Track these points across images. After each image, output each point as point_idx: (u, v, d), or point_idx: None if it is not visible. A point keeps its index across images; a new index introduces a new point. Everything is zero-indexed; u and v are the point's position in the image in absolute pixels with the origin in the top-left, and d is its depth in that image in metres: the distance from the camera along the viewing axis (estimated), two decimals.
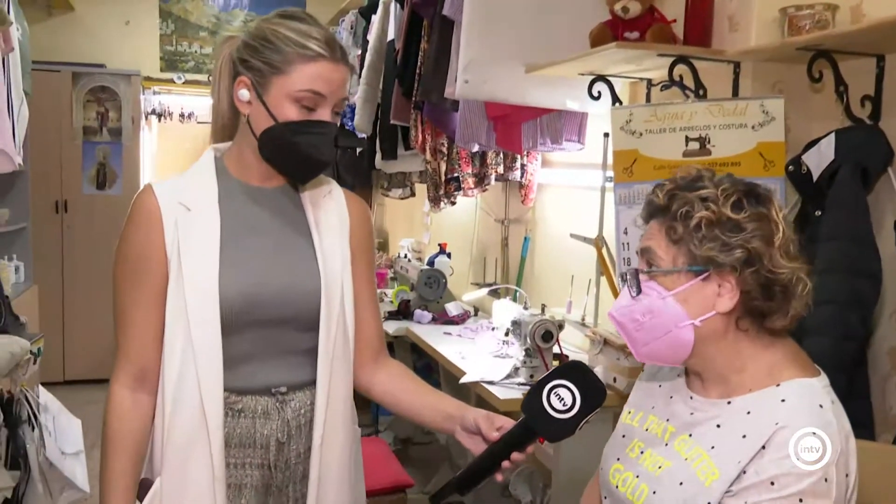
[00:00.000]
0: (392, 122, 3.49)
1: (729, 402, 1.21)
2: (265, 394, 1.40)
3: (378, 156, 3.83)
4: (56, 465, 2.29)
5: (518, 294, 3.34)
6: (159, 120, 5.89)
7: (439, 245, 4.07)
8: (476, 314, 3.74)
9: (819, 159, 1.81)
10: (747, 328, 1.21)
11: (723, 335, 1.21)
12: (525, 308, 2.90)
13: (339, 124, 1.42)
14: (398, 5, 3.56)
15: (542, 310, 2.83)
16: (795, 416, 1.13)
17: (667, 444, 1.26)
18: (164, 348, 1.36)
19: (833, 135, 1.79)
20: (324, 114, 1.37)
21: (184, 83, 5.91)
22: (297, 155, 1.38)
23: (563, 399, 1.23)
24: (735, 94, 2.05)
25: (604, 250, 2.57)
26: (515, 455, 1.26)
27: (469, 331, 3.39)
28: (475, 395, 2.68)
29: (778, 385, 1.18)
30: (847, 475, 1.14)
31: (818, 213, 1.80)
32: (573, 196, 3.14)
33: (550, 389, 1.24)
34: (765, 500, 1.11)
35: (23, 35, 3.29)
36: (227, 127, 1.46)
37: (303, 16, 1.39)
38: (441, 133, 3.24)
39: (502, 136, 2.89)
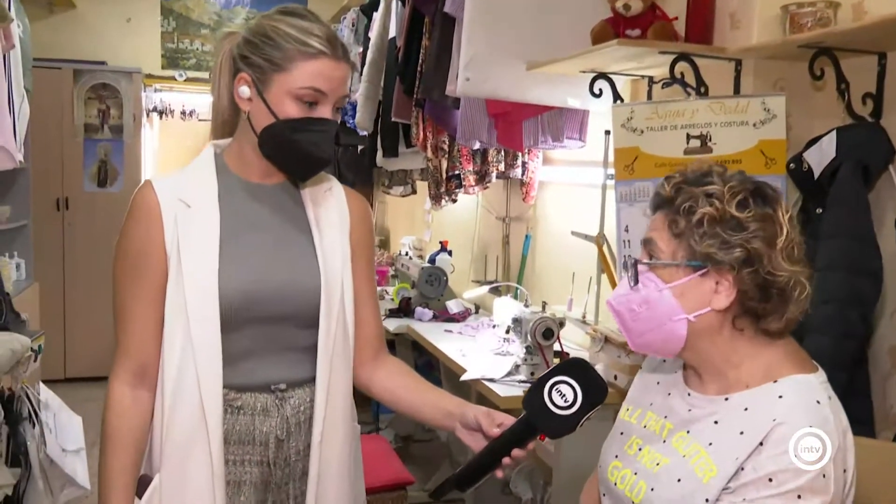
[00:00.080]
0: (393, 119, 3.49)
1: (726, 399, 1.21)
2: (264, 391, 1.39)
3: (379, 153, 3.83)
4: (57, 463, 2.29)
5: (519, 291, 3.34)
6: (160, 117, 5.89)
7: (440, 243, 4.07)
8: (477, 312, 3.75)
9: (820, 157, 1.81)
10: (743, 328, 1.21)
11: (718, 331, 1.21)
12: (526, 305, 2.90)
13: (340, 122, 1.42)
14: (400, 2, 3.56)
15: (543, 307, 2.83)
16: (793, 413, 1.13)
17: (665, 441, 1.26)
18: (164, 345, 1.36)
19: (834, 132, 1.79)
20: (325, 111, 1.37)
21: (185, 80, 5.91)
22: (297, 152, 1.38)
23: (564, 395, 1.23)
24: (736, 91, 2.05)
25: (605, 248, 2.57)
26: (516, 452, 1.26)
27: (470, 328, 3.39)
28: (476, 392, 2.68)
29: (775, 381, 1.18)
30: (845, 471, 1.14)
31: (819, 210, 1.80)
32: (574, 194, 3.14)
33: (552, 386, 1.24)
34: (763, 497, 1.11)
35: (24, 32, 3.29)
36: (228, 123, 1.46)
37: (304, 12, 1.38)
38: (442, 130, 3.25)
39: (503, 134, 2.89)
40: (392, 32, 3.64)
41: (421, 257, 4.43)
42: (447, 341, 3.18)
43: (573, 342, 2.88)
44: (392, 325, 3.55)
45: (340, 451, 1.45)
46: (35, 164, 4.63)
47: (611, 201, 2.37)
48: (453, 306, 3.67)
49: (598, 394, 1.24)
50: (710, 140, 1.92)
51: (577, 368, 1.25)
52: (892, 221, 1.72)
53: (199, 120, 5.84)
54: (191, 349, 1.33)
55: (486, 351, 2.94)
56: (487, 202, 3.90)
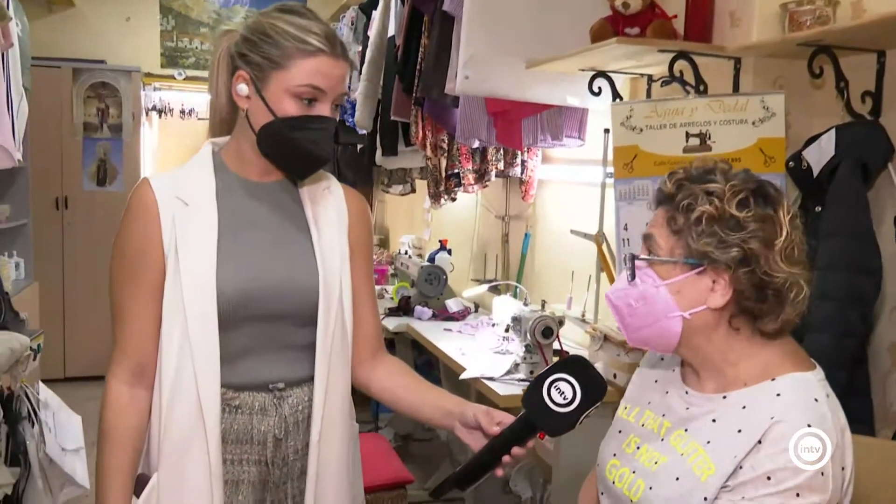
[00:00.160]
0: (392, 118, 3.48)
1: (724, 397, 1.21)
2: (262, 390, 1.39)
3: (378, 152, 3.83)
4: (56, 462, 2.29)
5: (518, 290, 3.34)
6: (160, 116, 5.89)
7: (440, 241, 4.07)
8: (476, 310, 3.74)
9: (819, 155, 1.81)
10: (739, 327, 1.20)
11: (714, 329, 1.20)
12: (525, 304, 2.90)
13: (339, 120, 1.42)
14: (399, 1, 3.55)
15: (543, 306, 2.82)
16: (791, 411, 1.13)
17: (663, 440, 1.26)
18: (162, 343, 1.36)
19: (833, 130, 1.79)
20: (323, 109, 1.36)
21: (184, 79, 5.90)
22: (296, 150, 1.37)
23: (563, 393, 1.23)
24: (735, 89, 2.05)
25: (604, 246, 2.57)
26: (515, 450, 1.26)
27: (469, 327, 3.39)
28: (475, 391, 2.68)
29: (773, 380, 1.18)
30: (843, 468, 1.13)
31: (818, 208, 1.80)
32: (573, 192, 3.14)
33: (551, 383, 1.24)
34: (762, 495, 1.10)
35: (22, 31, 3.29)
36: (226, 121, 1.45)
37: (302, 10, 1.38)
38: (441, 129, 3.24)
39: (502, 133, 2.88)
40: (391, 31, 3.64)
41: (420, 256, 4.43)
42: (446, 340, 3.18)
43: (572, 341, 2.88)
44: (391, 323, 3.55)
45: (339, 450, 1.44)
46: (34, 163, 4.63)
47: (610, 200, 2.37)
48: (453, 305, 3.67)
49: (598, 391, 1.24)
50: (710, 138, 1.92)
51: (575, 366, 1.26)
52: (892, 219, 1.72)
53: (199, 119, 5.83)
54: (188, 347, 1.33)
55: (485, 349, 2.94)
56: (487, 201, 3.90)
